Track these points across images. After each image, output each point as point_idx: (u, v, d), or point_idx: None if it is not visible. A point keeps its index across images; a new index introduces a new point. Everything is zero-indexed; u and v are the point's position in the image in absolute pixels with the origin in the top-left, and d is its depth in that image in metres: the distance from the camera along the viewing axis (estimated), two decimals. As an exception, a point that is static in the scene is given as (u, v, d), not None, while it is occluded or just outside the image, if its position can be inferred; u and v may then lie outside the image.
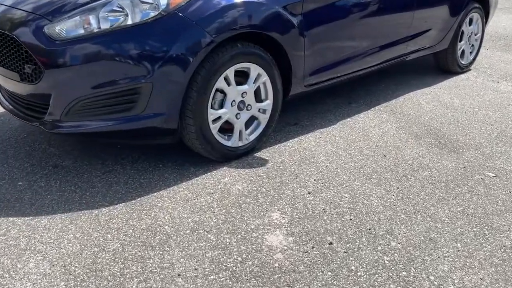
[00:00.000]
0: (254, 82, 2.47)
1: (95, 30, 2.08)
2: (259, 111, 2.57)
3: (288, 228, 1.93)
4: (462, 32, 4.04)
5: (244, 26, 2.27)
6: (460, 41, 4.07)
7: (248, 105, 2.49)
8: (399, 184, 2.29)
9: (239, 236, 1.87)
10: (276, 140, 2.79)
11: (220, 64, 2.25)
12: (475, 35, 4.26)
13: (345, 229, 1.93)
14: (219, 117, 2.38)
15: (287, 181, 2.30)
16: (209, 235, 1.87)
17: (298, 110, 3.26)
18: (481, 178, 2.36)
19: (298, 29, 2.54)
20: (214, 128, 2.36)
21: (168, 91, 2.14)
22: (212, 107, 2.33)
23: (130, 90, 2.11)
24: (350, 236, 1.89)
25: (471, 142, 2.78)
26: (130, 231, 1.90)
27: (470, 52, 4.30)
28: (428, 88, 3.79)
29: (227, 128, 2.49)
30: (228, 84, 2.35)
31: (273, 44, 2.50)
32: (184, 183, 2.27)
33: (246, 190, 2.21)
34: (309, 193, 2.19)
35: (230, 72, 2.33)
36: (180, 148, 2.55)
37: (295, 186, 2.26)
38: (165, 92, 2.14)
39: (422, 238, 1.88)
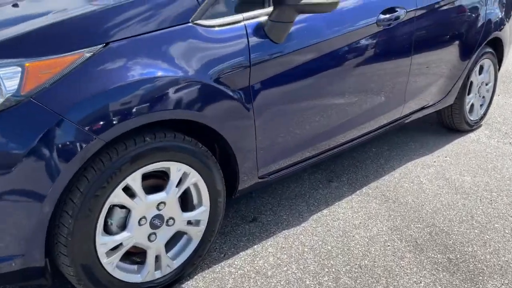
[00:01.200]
0: (178, 186, 1.70)
1: None
2: (188, 223, 1.78)
3: None
4: (471, 83, 3.29)
5: (152, 113, 1.50)
6: (469, 94, 3.31)
7: (169, 218, 1.69)
8: None
9: None
10: (221, 253, 1.99)
11: (114, 171, 1.47)
12: (486, 84, 3.51)
13: None
14: (120, 245, 1.59)
15: None
16: None
17: (261, 195, 2.48)
18: None
19: (245, 107, 1.77)
20: (109, 263, 1.56)
21: (20, 222, 1.35)
22: (106, 230, 1.55)
23: (-42, 223, 1.33)
24: None
25: (493, 261, 1.98)
26: None
27: (481, 105, 3.53)
28: (430, 156, 3.01)
29: (136, 252, 1.71)
30: (132, 195, 1.58)
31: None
32: None
33: None
34: None
35: (134, 180, 1.54)
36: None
37: None
38: (13, 224, 1.35)
39: None
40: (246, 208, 2.36)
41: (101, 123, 1.38)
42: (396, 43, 2.39)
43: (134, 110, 1.44)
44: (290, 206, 2.39)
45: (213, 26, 1.68)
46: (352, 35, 2.12)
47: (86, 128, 1.36)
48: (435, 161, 2.94)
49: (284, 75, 1.87)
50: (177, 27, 1.59)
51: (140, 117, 1.46)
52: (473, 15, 2.99)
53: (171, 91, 1.52)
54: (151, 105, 1.47)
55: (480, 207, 2.40)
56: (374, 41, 2.26)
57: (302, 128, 2.08)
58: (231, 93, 1.70)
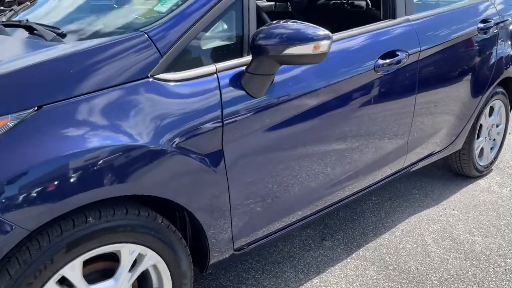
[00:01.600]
0: (130, 270, 1.42)
1: None
2: (146, 312, 1.50)
3: None
4: (481, 126, 3.01)
5: (92, 191, 1.21)
6: (478, 137, 3.03)
7: (120, 310, 1.42)
8: None
9: None
10: (189, 337, 1.70)
11: (44, 262, 1.20)
12: (497, 126, 3.23)
13: None
14: None
15: None
16: None
17: (244, 257, 2.19)
18: None
19: (216, 174, 1.49)
20: None
21: None
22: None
23: None
24: None
25: None
26: None
27: (491, 148, 3.24)
28: (436, 208, 2.71)
29: None
30: (71, 285, 1.30)
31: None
32: None
33: None
34: None
35: (72, 269, 1.26)
36: None
37: None
38: None
39: None
40: (225, 276, 2.07)
41: (23, 208, 1.11)
42: (396, 90, 2.11)
43: (68, 190, 1.17)
44: (275, 273, 2.09)
45: (178, 80, 1.42)
46: (346, 84, 1.85)
47: (3, 215, 1.09)
48: (441, 215, 2.64)
49: (264, 133, 1.60)
50: (131, 83, 1.33)
51: (76, 197, 1.18)
52: (483, 54, 2.72)
53: (117, 162, 1.25)
54: (90, 181, 1.20)
55: (494, 279, 2.09)
56: (371, 89, 1.98)
57: (286, 191, 1.79)
58: (199, 159, 1.43)
